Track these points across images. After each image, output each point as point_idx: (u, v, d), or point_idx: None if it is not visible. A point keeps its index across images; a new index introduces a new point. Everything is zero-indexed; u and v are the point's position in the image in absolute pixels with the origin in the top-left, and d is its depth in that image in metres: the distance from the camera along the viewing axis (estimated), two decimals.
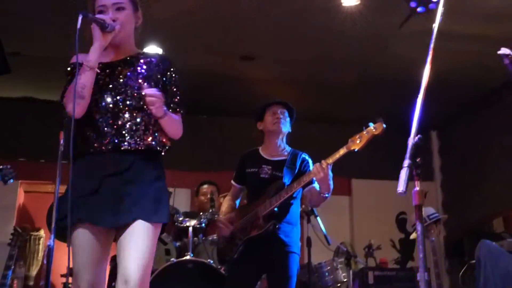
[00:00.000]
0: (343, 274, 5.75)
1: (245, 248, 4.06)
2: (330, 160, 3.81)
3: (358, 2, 5.20)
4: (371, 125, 3.73)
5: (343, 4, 5.22)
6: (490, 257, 4.65)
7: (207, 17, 5.50)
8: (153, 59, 2.78)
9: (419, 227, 2.24)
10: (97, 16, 2.54)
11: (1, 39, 1.48)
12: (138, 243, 2.50)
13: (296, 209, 4.18)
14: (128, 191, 2.53)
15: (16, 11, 5.42)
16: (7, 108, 7.22)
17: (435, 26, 2.43)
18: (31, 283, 6.21)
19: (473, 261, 4.91)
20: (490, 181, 7.40)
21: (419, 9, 5.13)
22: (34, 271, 6.30)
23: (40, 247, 6.19)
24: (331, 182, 3.89)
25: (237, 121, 4.68)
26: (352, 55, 6.53)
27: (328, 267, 5.62)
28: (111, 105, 2.59)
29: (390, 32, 5.94)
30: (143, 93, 2.57)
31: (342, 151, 3.80)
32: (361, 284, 5.83)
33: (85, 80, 2.49)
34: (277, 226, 3.96)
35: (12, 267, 4.47)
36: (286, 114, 4.27)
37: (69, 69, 2.65)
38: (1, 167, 3.88)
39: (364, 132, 3.72)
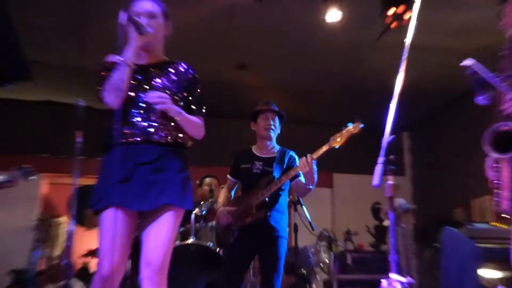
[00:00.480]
0: (325, 256, 5.80)
1: (240, 234, 4.09)
2: (314, 156, 3.85)
3: (339, 19, 5.24)
4: (350, 125, 3.79)
5: (327, 20, 5.26)
6: (451, 241, 4.71)
7: (207, 32, 5.53)
8: (180, 67, 2.80)
9: (391, 215, 2.31)
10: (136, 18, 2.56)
11: (24, 48, 1.47)
12: (163, 229, 2.54)
13: (284, 199, 4.22)
14: (157, 179, 2.53)
15: (39, 24, 5.44)
16: (30, 110, 7.28)
17: (408, 40, 2.50)
18: (55, 262, 6.23)
19: (437, 245, 4.96)
20: (453, 176, 7.51)
21: (393, 24, 5.18)
22: (56, 252, 6.32)
23: (61, 231, 6.20)
24: (315, 175, 3.93)
25: (233, 122, 4.71)
26: (334, 65, 6.56)
27: (312, 250, 5.66)
28: (145, 103, 2.60)
29: (368, 44, 5.98)
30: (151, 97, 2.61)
31: (324, 148, 3.85)
32: (341, 265, 5.87)
33: (123, 75, 2.50)
34: (268, 214, 4.01)
35: (38, 248, 4.49)
36: (277, 120, 4.31)
37: (105, 65, 2.64)
38: (23, 166, 3.89)
39: (344, 131, 3.78)
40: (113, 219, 2.42)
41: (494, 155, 2.67)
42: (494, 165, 2.77)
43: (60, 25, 5.62)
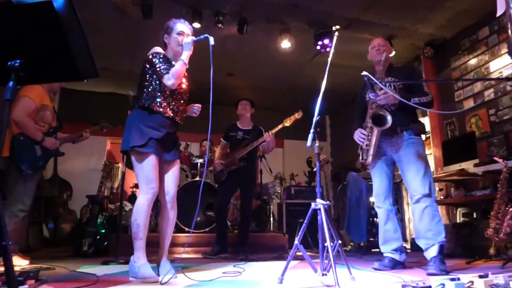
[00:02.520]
0: (278, 188, 5.84)
1: (228, 175, 4.13)
2: (274, 131, 3.91)
3: (289, 46, 5.21)
4: (295, 113, 3.87)
5: (282, 47, 5.23)
6: (352, 181, 4.80)
7: (209, 52, 5.46)
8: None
9: (317, 165, 2.35)
10: (197, 38, 2.47)
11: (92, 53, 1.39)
12: (176, 173, 2.55)
13: (255, 155, 4.24)
14: (173, 142, 2.55)
15: (104, 44, 5.32)
16: (101, 97, 7.18)
17: (329, 60, 2.51)
18: (114, 191, 6.22)
19: (345, 183, 5.06)
20: (353, 142, 7.57)
21: (322, 50, 5.17)
22: (115, 185, 6.30)
23: (119, 172, 6.18)
24: (274, 142, 3.98)
25: (224, 107, 4.70)
26: (286, 73, 6.52)
27: (271, 185, 5.70)
28: (179, 92, 2.52)
29: (306, 62, 5.96)
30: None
31: (280, 126, 3.91)
32: (287, 194, 5.92)
33: (184, 70, 2.42)
34: (244, 164, 4.04)
35: (104, 182, 4.47)
36: (250, 105, 4.32)
37: (162, 56, 2.41)
38: (99, 121, 3.81)
39: (292, 116, 3.86)
40: (155, 159, 2.34)
41: (375, 128, 2.72)
42: (363, 135, 2.86)
43: (117, 45, 5.49)
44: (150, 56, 2.42)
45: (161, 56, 2.42)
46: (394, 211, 2.90)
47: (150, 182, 2.31)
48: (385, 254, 2.88)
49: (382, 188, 2.91)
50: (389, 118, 2.64)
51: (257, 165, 4.42)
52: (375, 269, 2.75)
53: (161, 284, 2.09)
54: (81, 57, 1.48)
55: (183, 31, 2.54)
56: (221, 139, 4.40)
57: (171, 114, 2.44)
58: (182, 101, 2.56)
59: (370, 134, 2.79)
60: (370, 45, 3.09)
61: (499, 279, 1.54)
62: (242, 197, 4.20)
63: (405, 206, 5.43)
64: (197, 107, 2.67)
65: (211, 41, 2.38)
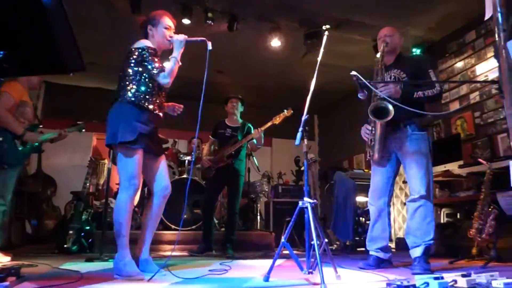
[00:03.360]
0: (266, 187, 5.85)
1: (215, 172, 4.12)
2: (262, 128, 3.92)
3: (279, 45, 5.21)
4: (285, 110, 3.87)
5: (272, 45, 5.23)
6: (340, 180, 4.81)
7: (198, 49, 5.42)
8: None
9: (305, 164, 2.34)
10: (191, 39, 2.49)
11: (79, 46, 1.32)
12: (165, 166, 2.55)
13: (243, 152, 4.21)
14: (158, 139, 2.57)
15: (91, 38, 5.24)
16: (86, 92, 7.09)
17: (319, 59, 2.50)
18: (100, 187, 6.13)
19: (332, 182, 5.08)
20: (342, 142, 7.60)
21: (312, 50, 5.17)
22: (101, 181, 6.22)
23: (105, 168, 6.09)
24: (262, 140, 3.98)
25: (213, 105, 4.66)
26: (275, 72, 6.53)
27: (258, 183, 5.70)
28: (162, 88, 2.48)
29: (296, 61, 5.94)
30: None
31: (269, 124, 3.91)
32: (275, 192, 5.94)
33: (177, 68, 2.40)
34: (232, 161, 4.03)
35: (89, 178, 4.40)
36: (239, 104, 4.30)
37: (153, 51, 2.37)
38: (78, 122, 3.72)
39: (281, 114, 3.87)
40: (141, 155, 2.31)
41: (376, 120, 2.61)
42: (368, 130, 2.77)
43: (105, 40, 5.41)
44: (140, 50, 2.34)
45: (149, 49, 2.36)
46: (387, 211, 2.86)
47: (133, 178, 2.27)
48: (370, 253, 2.88)
49: (379, 186, 2.86)
50: (390, 108, 2.51)
51: (245, 163, 4.40)
52: (361, 268, 2.75)
53: (147, 282, 2.07)
54: (67, 50, 1.45)
55: (170, 26, 2.51)
56: (210, 136, 4.38)
57: (157, 110, 2.41)
58: (164, 97, 2.54)
59: (373, 128, 2.71)
60: (378, 35, 2.96)
61: (481, 278, 1.57)
62: (229, 195, 4.18)
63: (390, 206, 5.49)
64: (178, 107, 2.69)
65: (209, 46, 2.38)
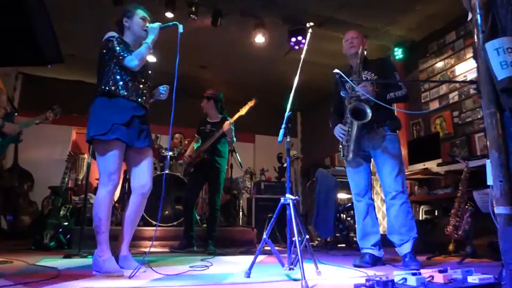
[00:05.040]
0: (248, 183, 5.86)
1: (195, 169, 4.10)
2: (231, 120, 3.91)
3: (263, 41, 5.21)
4: (249, 101, 3.94)
5: (256, 41, 5.22)
6: (321, 177, 4.85)
7: (181, 44, 5.37)
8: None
9: (288, 160, 2.35)
10: (164, 25, 2.43)
11: (57, 38, 1.25)
12: (151, 162, 2.45)
13: (224, 148, 4.14)
14: (144, 129, 2.39)
15: (73, 31, 5.12)
16: (66, 85, 6.93)
17: (302, 57, 2.51)
18: (79, 182, 6.03)
19: (314, 179, 5.11)
20: (324, 139, 7.61)
21: (296, 47, 5.20)
22: (80, 176, 6.11)
23: (84, 163, 5.98)
24: (233, 132, 3.95)
25: (196, 100, 4.63)
26: (259, 69, 6.51)
27: (241, 180, 5.70)
28: (143, 77, 2.42)
29: (279, 58, 5.97)
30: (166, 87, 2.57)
31: (237, 115, 3.97)
32: (257, 189, 5.93)
33: (147, 52, 2.33)
34: (206, 156, 4.00)
35: (68, 173, 4.31)
36: (208, 101, 4.20)
37: (117, 38, 2.33)
38: (53, 107, 3.64)
39: (246, 105, 3.93)
40: (120, 148, 2.24)
41: (354, 122, 2.67)
42: (343, 131, 2.79)
43: (86, 32, 5.30)
44: (106, 41, 2.33)
45: (117, 38, 2.33)
46: (373, 205, 2.93)
47: (111, 173, 2.23)
48: (364, 251, 2.86)
49: (362, 184, 2.91)
50: (368, 111, 2.58)
51: (228, 160, 4.37)
52: (356, 265, 2.70)
53: (128, 279, 2.05)
54: (45, 41, 1.41)
55: (145, 17, 2.48)
56: (196, 134, 4.35)
57: (135, 98, 2.34)
58: (146, 85, 2.46)
59: (350, 129, 2.76)
60: (344, 38, 3.04)
61: (458, 274, 1.61)
62: (209, 191, 4.17)
63: None
64: (162, 88, 2.57)
65: (180, 28, 2.32)
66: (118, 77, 2.31)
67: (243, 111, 3.93)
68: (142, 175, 2.39)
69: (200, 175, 4.10)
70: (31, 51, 1.43)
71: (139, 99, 2.36)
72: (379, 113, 2.69)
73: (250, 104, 3.92)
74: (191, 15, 4.64)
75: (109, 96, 2.27)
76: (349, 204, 4.65)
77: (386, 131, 2.80)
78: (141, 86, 2.40)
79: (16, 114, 3.31)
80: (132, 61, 2.27)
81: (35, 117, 3.42)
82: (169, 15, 4.58)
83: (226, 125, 3.88)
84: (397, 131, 2.88)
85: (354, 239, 3.44)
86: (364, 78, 2.85)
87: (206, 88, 4.42)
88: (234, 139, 4.06)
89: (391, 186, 2.73)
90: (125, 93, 2.29)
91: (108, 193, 2.23)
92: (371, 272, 2.37)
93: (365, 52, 2.95)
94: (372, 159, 2.93)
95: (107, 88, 2.27)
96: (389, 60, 3.20)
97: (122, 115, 2.26)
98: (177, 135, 5.71)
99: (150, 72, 2.52)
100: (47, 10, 1.36)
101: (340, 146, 2.87)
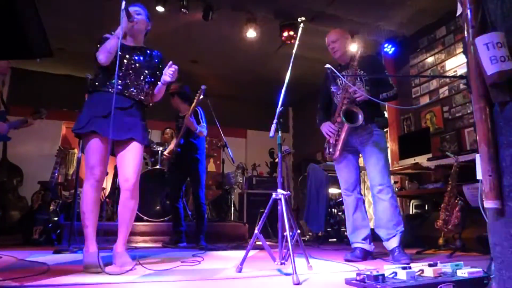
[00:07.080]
0: (240, 178, 5.86)
1: (173, 164, 4.07)
2: (188, 112, 3.82)
3: (254, 36, 5.18)
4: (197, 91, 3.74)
5: (247, 36, 5.19)
6: (313, 172, 4.87)
7: (173, 38, 5.33)
8: (153, 52, 2.52)
9: (279, 155, 2.35)
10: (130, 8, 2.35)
11: (45, 32, 1.22)
12: (135, 156, 2.31)
13: (198, 140, 4.03)
14: (127, 121, 2.29)
15: (64, 26, 5.04)
16: (56, 80, 6.84)
17: (294, 51, 2.50)
18: (69, 177, 5.98)
19: (305, 174, 5.12)
20: (315, 134, 7.67)
21: (287, 42, 5.18)
22: (70, 171, 6.06)
23: (74, 157, 5.94)
24: (195, 125, 3.84)
25: None
26: (250, 63, 6.48)
27: (233, 175, 5.70)
28: (127, 68, 2.35)
29: (271, 53, 5.95)
30: (172, 67, 2.37)
31: (192, 107, 3.81)
32: (249, 184, 5.94)
33: (114, 43, 2.25)
34: (178, 150, 3.95)
35: (58, 168, 4.28)
36: (174, 99, 4.11)
37: (103, 38, 2.34)
38: (39, 109, 3.60)
39: (196, 96, 3.76)
40: (99, 141, 2.21)
41: (346, 124, 2.75)
42: (333, 129, 2.87)
43: (75, 26, 5.22)
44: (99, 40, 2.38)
45: (102, 37, 2.36)
46: (362, 199, 2.97)
47: (92, 167, 2.21)
48: (355, 245, 2.88)
49: (351, 179, 2.95)
50: (360, 117, 2.69)
51: (218, 155, 4.34)
52: (347, 260, 2.72)
53: (119, 274, 2.03)
54: (33, 34, 1.39)
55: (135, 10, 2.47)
56: None
57: (111, 90, 2.26)
58: (138, 76, 2.39)
59: (340, 129, 2.82)
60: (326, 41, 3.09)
61: (447, 267, 1.63)
62: (192, 186, 4.09)
63: None
64: (170, 67, 2.40)
65: (123, 5, 2.25)
66: (99, 71, 2.35)
67: (194, 103, 3.82)
68: (125, 170, 2.30)
69: (178, 170, 4.05)
70: (19, 45, 1.41)
71: (122, 91, 2.31)
72: (367, 110, 2.76)
73: (198, 94, 3.77)
74: (182, 9, 4.60)
75: (91, 92, 2.32)
76: (340, 199, 4.66)
77: (373, 128, 2.86)
78: (127, 77, 2.35)
79: (8, 112, 3.29)
80: (98, 57, 2.28)
81: (23, 118, 3.39)
82: (160, 9, 4.54)
83: (186, 119, 3.83)
84: (384, 129, 2.96)
85: (345, 233, 3.45)
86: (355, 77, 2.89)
87: (197, 83, 4.37)
88: (204, 130, 3.94)
89: (375, 179, 2.77)
90: (103, 88, 2.29)
91: (91, 187, 2.20)
92: (361, 266, 2.39)
93: (355, 47, 2.97)
94: (360, 155, 2.98)
95: (92, 86, 2.34)
96: (378, 58, 3.22)
97: (101, 107, 2.23)
98: (168, 130, 5.68)
99: (148, 62, 2.46)
100: (36, 3, 1.34)
101: (326, 144, 2.95)
